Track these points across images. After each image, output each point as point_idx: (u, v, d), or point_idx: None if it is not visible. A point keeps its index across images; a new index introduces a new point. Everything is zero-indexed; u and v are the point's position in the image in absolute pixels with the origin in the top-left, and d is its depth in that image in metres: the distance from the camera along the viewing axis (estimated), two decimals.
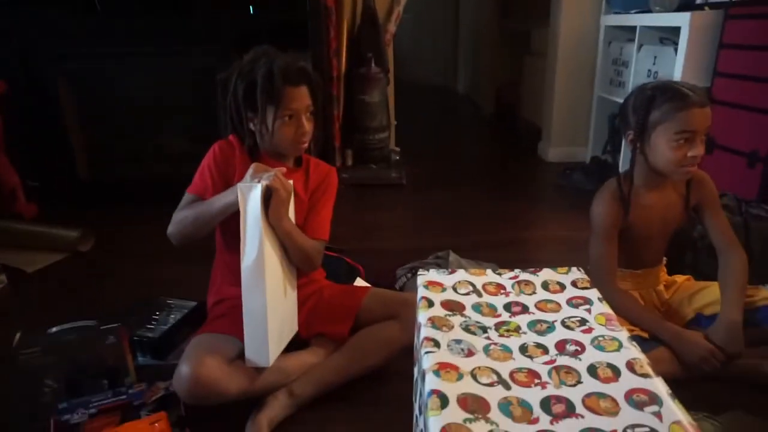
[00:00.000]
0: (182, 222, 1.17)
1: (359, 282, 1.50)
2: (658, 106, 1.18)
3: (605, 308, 0.87)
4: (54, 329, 1.15)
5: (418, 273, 1.00)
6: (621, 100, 2.56)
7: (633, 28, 2.50)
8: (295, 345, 1.24)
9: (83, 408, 1.08)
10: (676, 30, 2.15)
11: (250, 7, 2.41)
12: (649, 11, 2.38)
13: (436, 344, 0.78)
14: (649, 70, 2.37)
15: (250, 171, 1.10)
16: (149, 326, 1.36)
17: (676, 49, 2.15)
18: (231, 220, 1.13)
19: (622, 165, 2.53)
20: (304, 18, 2.35)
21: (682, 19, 2.10)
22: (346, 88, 2.71)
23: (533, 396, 0.69)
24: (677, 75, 2.11)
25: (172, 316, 1.40)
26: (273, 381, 1.14)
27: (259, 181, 1.06)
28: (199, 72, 2.47)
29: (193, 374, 1.03)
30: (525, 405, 0.67)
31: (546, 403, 0.68)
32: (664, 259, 1.41)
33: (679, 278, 1.43)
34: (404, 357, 1.21)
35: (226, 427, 1.11)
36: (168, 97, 2.51)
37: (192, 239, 1.19)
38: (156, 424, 1.06)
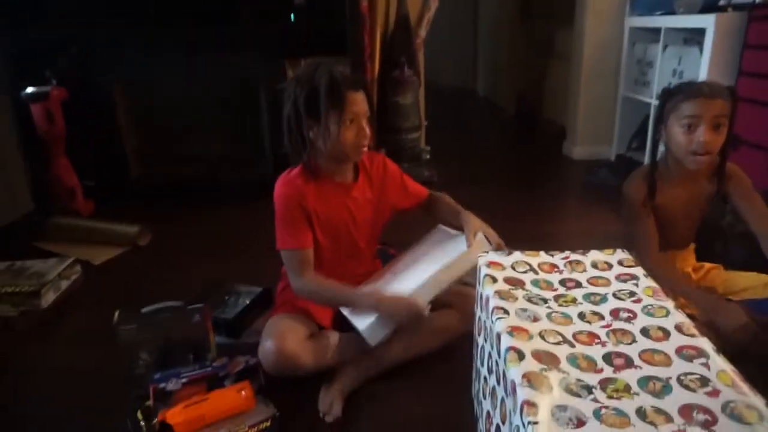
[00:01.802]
0: (311, 296, 1.29)
1: None
2: (672, 97, 1.30)
3: (652, 282, 0.98)
4: (147, 309, 1.29)
5: (479, 255, 1.12)
6: (647, 99, 2.68)
7: (657, 30, 2.59)
8: None
9: (176, 377, 1.22)
10: (700, 31, 2.24)
11: (291, 15, 2.55)
12: (674, 13, 2.48)
13: (506, 312, 0.90)
14: (674, 70, 2.47)
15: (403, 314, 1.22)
16: (222, 308, 1.49)
17: (701, 49, 2.25)
18: (329, 232, 1.30)
19: (647, 161, 2.63)
20: (342, 25, 2.49)
21: (706, 21, 2.19)
22: (380, 90, 2.83)
23: (595, 352, 0.81)
24: (702, 75, 2.20)
25: (242, 299, 1.53)
26: (342, 356, 1.27)
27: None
28: (242, 78, 2.63)
29: (277, 348, 1.16)
30: (589, 359, 0.79)
31: (607, 357, 0.79)
32: (692, 244, 1.50)
33: (708, 265, 1.52)
34: (459, 339, 1.34)
35: (302, 396, 1.23)
36: (214, 102, 2.66)
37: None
38: (242, 392, 1.19)
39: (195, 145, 2.74)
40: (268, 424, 1.15)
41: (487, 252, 1.17)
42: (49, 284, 1.70)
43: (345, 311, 1.26)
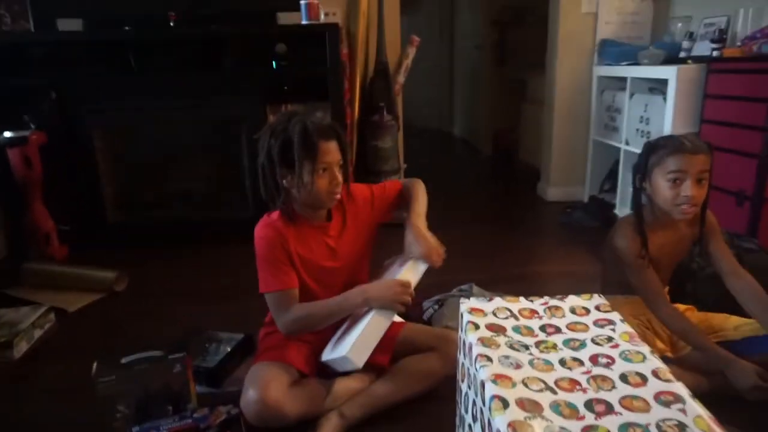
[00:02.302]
0: (306, 322, 1.29)
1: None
2: (656, 151, 1.37)
3: (627, 327, 1.01)
4: (126, 359, 1.27)
5: (461, 301, 1.14)
6: (616, 144, 2.79)
7: (624, 79, 2.73)
8: (341, 372, 1.37)
9: (156, 430, 1.19)
10: (664, 81, 2.37)
11: (273, 62, 2.61)
12: (638, 64, 2.62)
13: (489, 359, 0.92)
14: (641, 117, 2.59)
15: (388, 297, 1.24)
16: (202, 356, 1.47)
17: (665, 98, 2.37)
18: (313, 271, 1.32)
19: (619, 203, 2.72)
20: (324, 72, 2.55)
21: (669, 72, 2.32)
22: (360, 134, 2.90)
23: (577, 399, 0.82)
24: (667, 122, 2.32)
25: (223, 347, 1.52)
26: (325, 404, 1.26)
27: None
28: (224, 122, 2.67)
29: (260, 397, 1.15)
30: (572, 406, 0.81)
31: (589, 404, 0.81)
32: (667, 287, 1.56)
33: (682, 306, 1.57)
34: (442, 384, 1.34)
35: None
36: (195, 145, 2.69)
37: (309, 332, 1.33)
38: None
39: (175, 187, 2.74)
40: None
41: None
42: (22, 334, 1.66)
43: (324, 356, 1.27)
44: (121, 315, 1.96)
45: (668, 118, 2.31)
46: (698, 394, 0.81)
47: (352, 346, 1.21)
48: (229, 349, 1.51)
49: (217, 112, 2.58)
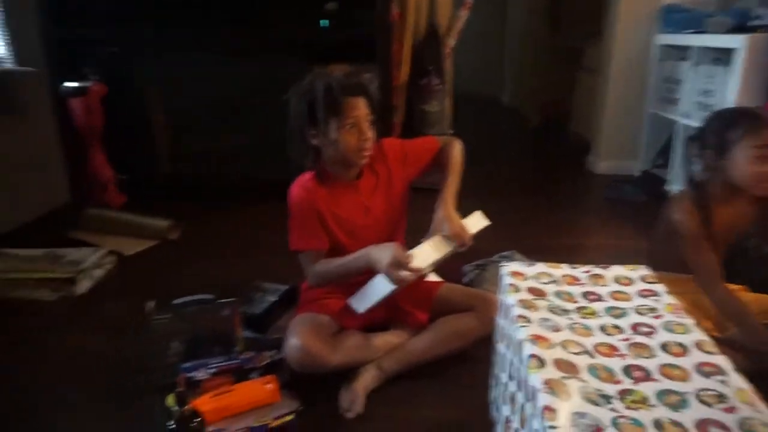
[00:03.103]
0: (326, 277, 1.33)
1: (432, 276, 1.66)
2: (737, 126, 1.30)
3: (672, 300, 1.00)
4: (178, 300, 1.35)
5: (501, 264, 1.15)
6: (673, 117, 2.68)
7: (687, 48, 2.59)
8: (379, 327, 1.42)
9: (204, 368, 1.27)
10: (730, 51, 2.24)
11: (321, 21, 2.60)
12: (704, 32, 2.48)
13: (528, 320, 0.93)
14: (703, 89, 2.46)
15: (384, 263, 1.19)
16: (249, 304, 1.55)
17: (731, 70, 2.24)
18: (349, 230, 1.34)
19: (672, 179, 2.63)
20: (372, 33, 2.53)
21: (737, 41, 2.19)
22: (408, 97, 2.88)
23: (615, 364, 0.83)
24: (731, 94, 2.20)
25: (268, 296, 1.58)
26: (364, 355, 1.31)
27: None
28: (273, 81, 2.68)
29: (301, 345, 1.21)
30: (609, 370, 0.82)
31: (627, 369, 0.82)
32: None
33: (732, 286, 1.53)
34: (476, 345, 1.37)
35: (324, 393, 1.27)
36: (244, 103, 2.73)
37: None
38: (268, 385, 1.24)
39: (225, 143, 2.81)
40: (292, 417, 1.19)
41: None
42: (85, 272, 1.77)
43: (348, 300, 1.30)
44: (173, 262, 2.06)
45: (733, 91, 2.19)
46: (744, 375, 0.80)
47: (352, 299, 1.27)
48: (274, 299, 1.57)
49: (264, 70, 2.61)
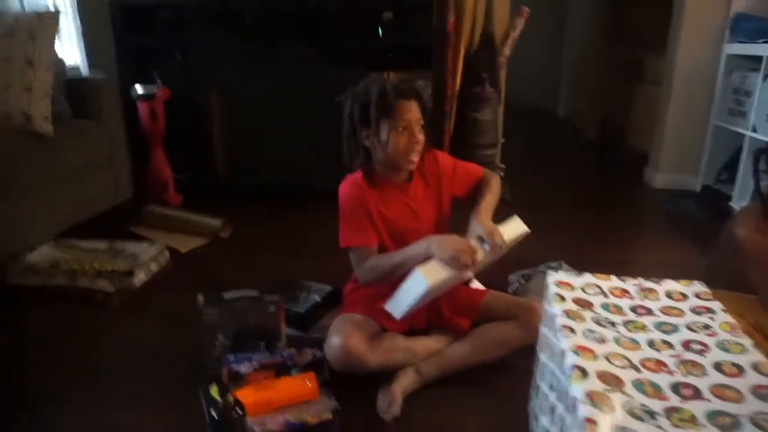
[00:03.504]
0: (380, 269, 1.32)
1: (476, 284, 1.64)
2: None
3: (729, 318, 0.95)
4: (227, 295, 1.39)
5: (548, 273, 1.13)
6: (742, 130, 2.54)
7: (759, 58, 2.46)
8: (420, 332, 1.41)
9: (248, 361, 1.30)
10: None
11: (379, 30, 2.64)
12: None
13: (572, 331, 0.91)
14: None
15: (449, 252, 1.20)
16: (293, 302, 1.58)
17: None
18: (396, 232, 1.34)
19: (737, 195, 2.49)
20: (428, 42, 2.55)
21: None
22: (460, 105, 2.87)
23: (662, 380, 0.80)
24: None
25: (312, 296, 1.61)
26: (403, 359, 1.31)
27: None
28: (328, 89, 2.74)
29: (343, 345, 1.22)
30: (655, 386, 0.78)
31: (675, 387, 0.78)
32: None
33: None
34: (517, 355, 1.34)
35: (362, 394, 1.28)
36: (300, 111, 2.80)
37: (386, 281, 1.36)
38: (308, 382, 1.26)
39: (279, 149, 2.88)
40: (330, 415, 1.20)
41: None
42: (142, 266, 1.86)
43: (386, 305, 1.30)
44: (224, 260, 2.14)
45: None
46: None
47: (388, 303, 1.27)
48: (318, 299, 1.60)
49: (321, 79, 2.66)
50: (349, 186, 1.36)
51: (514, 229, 1.34)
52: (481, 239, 1.26)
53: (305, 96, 2.75)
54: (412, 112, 1.29)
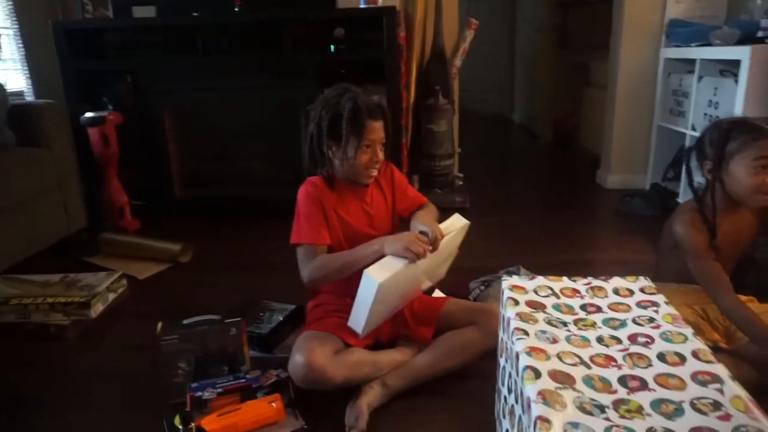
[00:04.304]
0: (325, 270, 1.32)
1: (437, 293, 1.67)
2: (735, 137, 1.30)
3: (672, 310, 1.00)
4: (187, 321, 1.37)
5: (503, 278, 1.16)
6: (682, 129, 2.66)
7: (693, 61, 2.59)
8: (385, 345, 1.42)
9: (212, 387, 1.29)
10: (736, 62, 2.24)
11: (331, 46, 2.67)
12: (709, 45, 2.48)
13: (525, 333, 0.93)
14: (710, 101, 2.46)
15: (402, 243, 1.23)
16: (256, 324, 1.56)
17: (736, 81, 2.24)
18: (353, 236, 1.37)
19: (683, 192, 2.61)
20: (380, 55, 2.59)
21: (742, 53, 2.19)
22: (415, 117, 2.92)
23: (611, 374, 0.83)
24: (738, 106, 2.19)
25: (276, 316, 1.60)
26: (368, 372, 1.31)
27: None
28: (283, 104, 2.76)
29: (306, 362, 1.22)
30: (605, 380, 0.82)
31: (623, 380, 0.82)
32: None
33: (742, 297, 1.51)
34: (482, 360, 1.37)
35: (329, 411, 1.28)
36: (255, 127, 2.80)
37: (330, 282, 1.39)
38: (273, 404, 1.25)
39: (237, 166, 2.87)
40: None
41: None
42: (98, 296, 1.81)
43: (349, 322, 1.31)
44: (185, 284, 2.10)
45: (739, 102, 2.19)
46: (751, 387, 0.80)
47: (349, 320, 1.29)
48: (281, 318, 1.59)
49: (275, 95, 2.68)
50: (307, 186, 1.39)
51: (453, 222, 1.39)
52: (423, 234, 1.29)
53: (260, 112, 2.77)
54: (378, 131, 1.33)
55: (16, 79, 2.75)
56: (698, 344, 0.88)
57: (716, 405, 0.74)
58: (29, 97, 2.77)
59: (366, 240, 1.35)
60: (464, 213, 1.43)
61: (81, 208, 2.43)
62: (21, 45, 2.74)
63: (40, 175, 2.18)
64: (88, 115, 2.49)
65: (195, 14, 2.63)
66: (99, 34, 2.76)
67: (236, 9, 2.65)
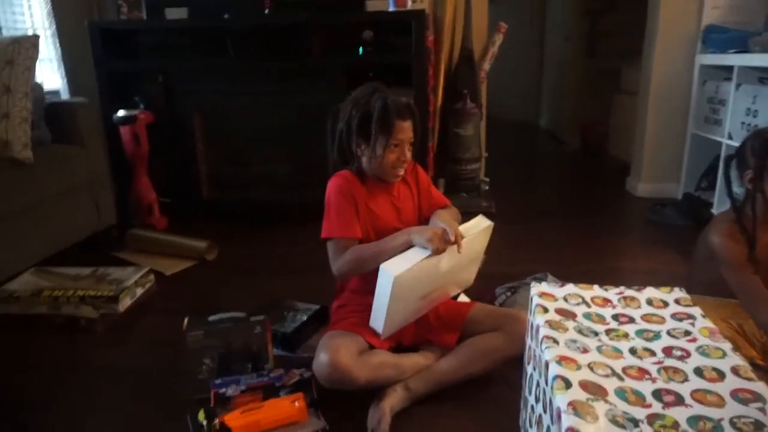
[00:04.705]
0: (355, 263, 1.33)
1: (463, 298, 1.65)
2: None
3: (709, 323, 0.96)
4: (212, 317, 1.38)
5: (532, 285, 1.13)
6: (718, 138, 2.60)
7: (730, 68, 2.52)
8: (408, 348, 1.41)
9: (236, 384, 1.29)
10: None
11: (360, 49, 2.68)
12: (748, 51, 2.41)
13: (555, 341, 0.91)
14: (748, 109, 2.39)
15: (426, 234, 1.24)
16: (280, 323, 1.57)
17: None
18: (381, 230, 1.37)
19: (717, 202, 2.54)
20: (408, 59, 2.58)
21: None
22: (442, 121, 2.90)
23: (644, 387, 0.81)
24: None
25: (299, 315, 1.61)
26: (392, 375, 1.30)
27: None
28: (310, 107, 2.76)
29: (331, 361, 1.21)
30: (638, 393, 0.79)
31: (657, 394, 0.79)
32: None
33: None
34: (506, 366, 1.35)
35: (351, 412, 1.27)
36: (282, 129, 2.81)
37: (359, 274, 1.39)
38: (296, 403, 1.25)
39: (263, 169, 2.89)
40: None
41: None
42: (127, 290, 1.84)
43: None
44: (210, 281, 2.12)
45: None
46: None
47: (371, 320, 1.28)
48: (305, 318, 1.59)
49: (303, 97, 2.69)
50: (338, 179, 1.39)
51: (476, 223, 1.37)
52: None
53: (288, 115, 2.77)
54: (407, 131, 1.34)
55: (53, 79, 2.82)
56: (738, 360, 0.85)
57: (758, 425, 0.71)
58: (64, 96, 2.84)
59: (394, 232, 1.36)
60: (490, 218, 1.42)
61: (111, 204, 2.48)
62: (58, 45, 2.81)
63: (73, 171, 2.23)
64: (120, 113, 2.54)
65: (225, 16, 2.67)
66: (133, 35, 2.81)
67: (266, 11, 2.67)
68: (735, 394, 0.78)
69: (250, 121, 2.81)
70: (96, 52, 2.67)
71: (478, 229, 1.36)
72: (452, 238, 1.26)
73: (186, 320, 1.36)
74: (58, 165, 2.16)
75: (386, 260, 1.24)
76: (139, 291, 1.92)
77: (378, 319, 1.27)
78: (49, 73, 2.81)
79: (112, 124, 2.56)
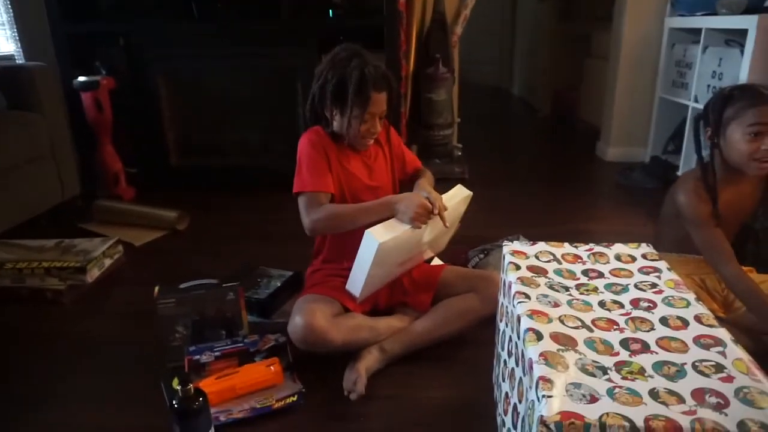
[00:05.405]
0: (332, 221, 1.30)
1: (436, 261, 1.66)
2: (733, 103, 1.28)
3: (674, 275, 0.99)
4: (184, 285, 1.36)
5: (504, 243, 1.15)
6: (685, 101, 2.63)
7: (698, 30, 2.55)
8: (383, 312, 1.42)
9: (210, 351, 1.29)
10: (742, 32, 2.20)
11: (329, 11, 2.61)
12: (715, 14, 2.43)
13: (527, 296, 0.93)
14: (714, 72, 2.42)
15: (410, 212, 1.21)
16: (254, 289, 1.56)
17: (742, 51, 2.20)
18: (354, 188, 1.37)
19: (683, 165, 2.59)
20: (380, 22, 2.53)
21: (749, 22, 2.15)
22: (414, 86, 2.87)
23: (613, 337, 0.83)
24: (743, 76, 2.16)
25: (273, 282, 1.60)
26: (367, 337, 1.31)
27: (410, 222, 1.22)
28: (280, 71, 2.70)
29: (306, 323, 1.21)
30: (606, 343, 0.81)
31: (624, 342, 0.81)
32: None
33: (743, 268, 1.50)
34: (479, 327, 1.37)
35: (327, 375, 1.28)
36: (252, 93, 2.74)
37: (333, 232, 1.38)
38: (271, 367, 1.25)
39: (233, 135, 2.82)
40: (295, 398, 1.21)
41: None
42: (94, 261, 1.80)
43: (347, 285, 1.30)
44: (181, 251, 2.09)
45: (744, 72, 2.15)
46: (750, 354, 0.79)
47: (348, 284, 1.29)
48: (279, 284, 1.58)
49: (273, 61, 2.62)
50: (311, 134, 1.37)
51: (456, 193, 1.38)
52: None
53: (257, 79, 2.70)
54: (381, 104, 1.31)
55: (5, 44, 2.68)
56: (701, 309, 0.88)
57: (718, 367, 0.74)
58: (20, 62, 2.70)
59: (366, 190, 1.37)
60: (463, 183, 1.42)
61: (75, 174, 2.40)
62: (9, 6, 2.66)
63: (32, 139, 2.14)
64: (81, 79, 2.44)
65: None
66: None
67: None
68: (698, 339, 0.80)
69: (218, 85, 2.73)
70: (51, 15, 2.53)
71: (458, 198, 1.36)
72: (437, 212, 1.25)
73: (156, 288, 1.33)
74: (15, 132, 2.07)
75: (363, 223, 1.23)
76: (108, 262, 1.87)
77: (356, 283, 1.27)
78: (1, 38, 2.67)
79: (73, 90, 2.45)
